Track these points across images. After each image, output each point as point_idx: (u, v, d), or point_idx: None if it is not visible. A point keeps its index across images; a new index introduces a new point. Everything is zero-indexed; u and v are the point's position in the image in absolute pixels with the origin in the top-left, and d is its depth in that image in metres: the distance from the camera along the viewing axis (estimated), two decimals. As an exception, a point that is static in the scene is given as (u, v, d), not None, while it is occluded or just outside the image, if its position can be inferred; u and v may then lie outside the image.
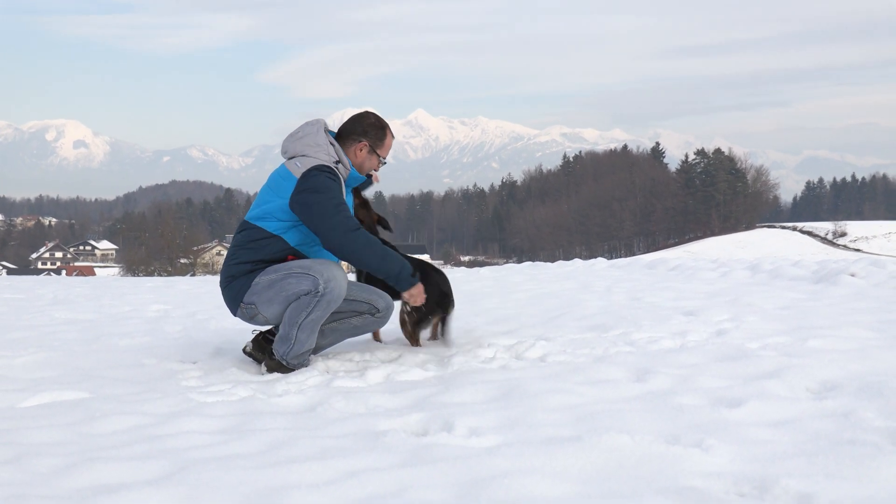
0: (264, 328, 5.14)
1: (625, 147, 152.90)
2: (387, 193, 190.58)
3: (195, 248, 63.76)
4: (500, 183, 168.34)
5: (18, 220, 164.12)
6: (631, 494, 2.51)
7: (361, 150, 4.93)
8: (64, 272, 73.58)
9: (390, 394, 3.96)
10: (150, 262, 58.63)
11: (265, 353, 4.90)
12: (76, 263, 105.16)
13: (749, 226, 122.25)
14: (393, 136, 5.06)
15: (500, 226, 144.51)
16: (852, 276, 8.65)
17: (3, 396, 4.08)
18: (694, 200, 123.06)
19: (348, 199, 4.98)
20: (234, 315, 4.91)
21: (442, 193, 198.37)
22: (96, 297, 10.51)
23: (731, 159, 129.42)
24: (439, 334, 5.39)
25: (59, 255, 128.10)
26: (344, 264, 5.02)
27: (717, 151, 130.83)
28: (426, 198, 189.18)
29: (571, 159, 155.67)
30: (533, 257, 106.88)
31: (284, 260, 4.75)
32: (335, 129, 5.00)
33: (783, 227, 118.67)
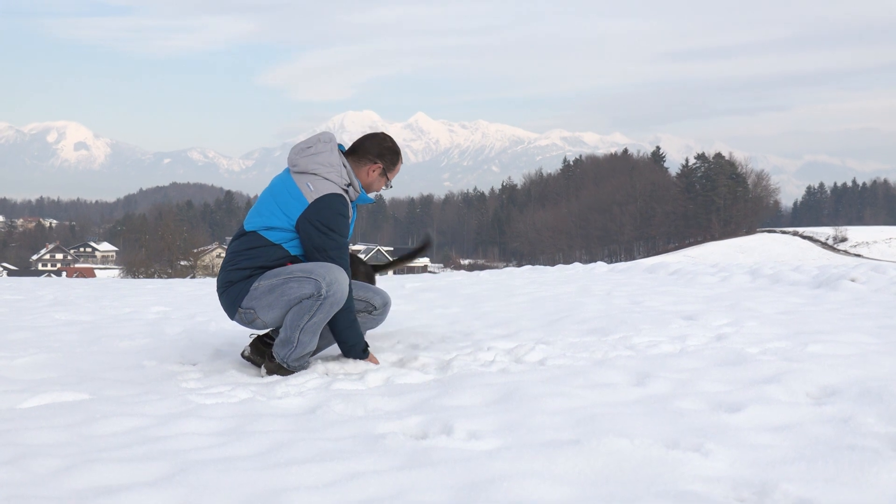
0: (261, 332, 5.14)
1: (625, 151, 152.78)
2: (387, 197, 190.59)
3: (195, 251, 63.80)
4: (500, 186, 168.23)
5: (19, 222, 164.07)
6: (630, 498, 2.51)
7: (374, 172, 4.96)
8: (64, 274, 73.57)
9: (390, 396, 3.96)
10: (150, 264, 58.64)
11: (264, 357, 4.90)
12: (76, 265, 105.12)
13: (749, 230, 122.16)
14: (402, 162, 5.12)
15: (500, 229, 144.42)
16: (853, 281, 8.65)
17: (2, 397, 4.09)
18: (694, 205, 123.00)
19: (354, 217, 5.02)
20: (231, 319, 4.91)
21: (442, 197, 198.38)
22: (96, 298, 10.50)
23: (731, 164, 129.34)
24: None
25: (59, 256, 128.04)
26: None
27: (718, 156, 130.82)
28: (426, 201, 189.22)
29: (572, 163, 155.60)
30: (533, 261, 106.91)
31: (283, 265, 4.75)
32: (343, 142, 5.03)
33: (784, 232, 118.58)
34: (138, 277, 47.71)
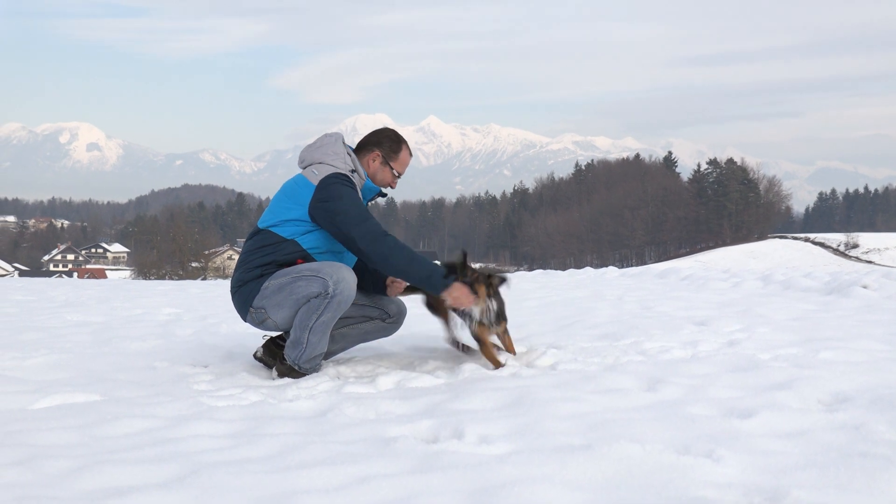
0: (274, 334, 5.14)
1: (637, 156, 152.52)
2: (398, 200, 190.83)
3: (206, 252, 63.89)
4: (511, 190, 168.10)
5: (31, 222, 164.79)
6: (641, 504, 2.50)
7: (374, 161, 4.96)
8: (76, 274, 73.85)
9: (401, 400, 3.96)
10: (161, 266, 58.74)
11: (276, 358, 4.91)
12: (88, 266, 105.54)
13: (761, 236, 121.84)
14: (410, 154, 5.11)
15: (512, 233, 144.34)
16: (864, 287, 8.62)
17: (14, 398, 4.10)
18: (706, 210, 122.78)
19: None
20: (244, 320, 4.91)
21: (454, 200, 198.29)
22: (108, 299, 10.54)
23: (743, 169, 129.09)
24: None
25: (70, 257, 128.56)
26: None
27: (730, 161, 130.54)
28: (438, 204, 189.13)
29: (583, 167, 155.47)
30: (544, 265, 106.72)
31: (294, 262, 4.75)
32: (353, 144, 5.06)
33: (795, 238, 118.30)
34: (150, 279, 47.83)
